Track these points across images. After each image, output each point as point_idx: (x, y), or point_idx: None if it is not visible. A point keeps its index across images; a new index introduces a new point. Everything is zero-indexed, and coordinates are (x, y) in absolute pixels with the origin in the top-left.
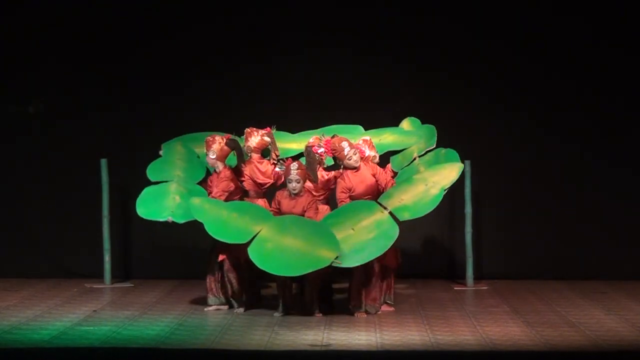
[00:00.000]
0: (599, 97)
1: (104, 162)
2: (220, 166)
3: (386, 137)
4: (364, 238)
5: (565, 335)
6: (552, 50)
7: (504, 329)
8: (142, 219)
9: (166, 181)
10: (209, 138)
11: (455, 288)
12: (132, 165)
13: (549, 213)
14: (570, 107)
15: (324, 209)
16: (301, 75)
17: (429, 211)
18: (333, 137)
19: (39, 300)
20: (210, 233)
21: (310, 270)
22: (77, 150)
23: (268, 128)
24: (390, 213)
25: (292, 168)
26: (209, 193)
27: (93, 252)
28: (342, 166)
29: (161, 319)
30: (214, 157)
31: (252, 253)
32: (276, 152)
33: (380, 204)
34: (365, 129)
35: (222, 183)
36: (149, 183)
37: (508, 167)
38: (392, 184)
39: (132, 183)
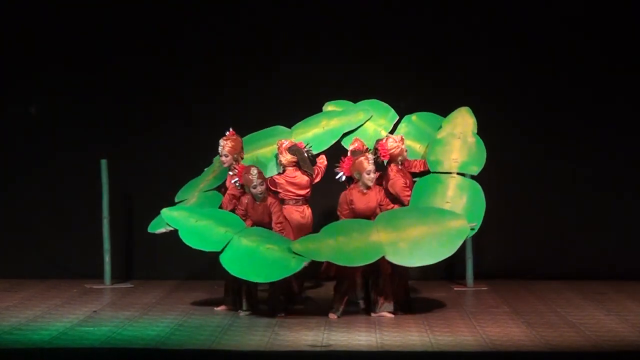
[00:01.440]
0: (599, 97)
1: (104, 162)
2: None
3: (328, 124)
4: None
5: (565, 336)
6: (552, 50)
7: (504, 329)
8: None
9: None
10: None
11: (455, 288)
12: (132, 165)
13: (549, 213)
14: (571, 107)
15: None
16: (302, 76)
17: (484, 151)
18: (386, 139)
19: (39, 301)
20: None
21: (281, 277)
22: (77, 151)
23: (301, 143)
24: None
25: (252, 173)
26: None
27: (93, 252)
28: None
29: (161, 319)
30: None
31: (224, 259)
32: (308, 165)
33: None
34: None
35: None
36: (149, 185)
37: (508, 167)
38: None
39: (132, 183)
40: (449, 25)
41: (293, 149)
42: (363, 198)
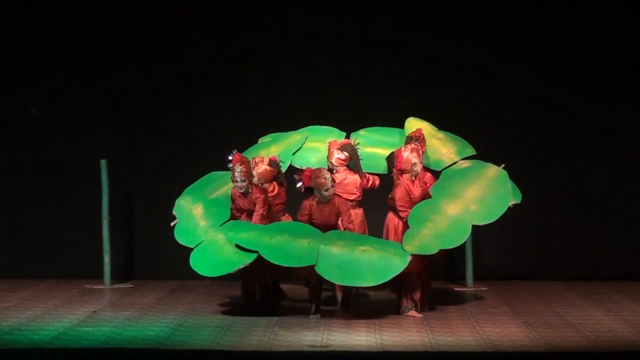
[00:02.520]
0: (600, 97)
1: (104, 162)
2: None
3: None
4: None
5: (565, 336)
6: (553, 50)
7: (504, 329)
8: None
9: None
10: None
11: (455, 289)
12: (132, 165)
13: (549, 214)
14: (572, 107)
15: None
16: (301, 75)
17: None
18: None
19: (39, 301)
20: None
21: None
22: (77, 151)
23: (347, 140)
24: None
25: (236, 169)
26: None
27: (93, 253)
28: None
29: (161, 319)
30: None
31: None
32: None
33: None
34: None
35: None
36: (149, 185)
37: (508, 167)
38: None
39: (132, 184)
40: (450, 25)
41: (347, 147)
42: (322, 210)
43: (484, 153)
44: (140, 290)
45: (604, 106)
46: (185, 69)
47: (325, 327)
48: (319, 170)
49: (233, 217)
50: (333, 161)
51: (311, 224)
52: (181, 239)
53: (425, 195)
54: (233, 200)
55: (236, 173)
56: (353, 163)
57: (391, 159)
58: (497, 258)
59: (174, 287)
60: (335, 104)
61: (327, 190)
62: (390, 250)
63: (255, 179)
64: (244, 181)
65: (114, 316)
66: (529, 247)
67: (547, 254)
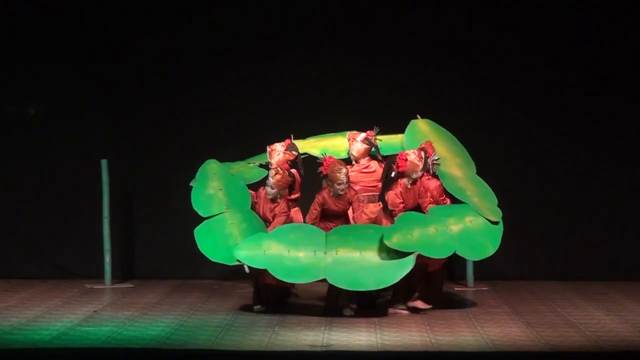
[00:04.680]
0: (602, 97)
1: (104, 162)
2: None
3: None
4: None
5: (566, 336)
6: (553, 49)
7: (504, 329)
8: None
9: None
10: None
11: (456, 288)
12: (132, 165)
13: (549, 213)
14: (572, 107)
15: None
16: (303, 76)
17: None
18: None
19: (39, 301)
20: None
21: (218, 261)
22: (77, 151)
23: (370, 132)
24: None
25: (270, 174)
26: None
27: (93, 252)
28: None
29: (161, 319)
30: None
31: (204, 226)
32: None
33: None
34: (369, 130)
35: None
36: (150, 185)
37: (508, 167)
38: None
39: (132, 183)
40: (450, 24)
41: (367, 140)
42: (335, 201)
43: (487, 151)
44: (140, 290)
45: (602, 104)
46: (186, 69)
47: (326, 327)
48: (338, 164)
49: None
50: (354, 152)
51: (323, 213)
52: (196, 205)
53: (422, 203)
54: (259, 196)
55: (269, 178)
56: (375, 153)
57: (391, 161)
58: (497, 258)
59: (174, 287)
60: (338, 105)
61: (340, 184)
62: (394, 254)
63: (273, 168)
64: (274, 189)
65: (114, 316)
66: (529, 247)
67: (547, 254)
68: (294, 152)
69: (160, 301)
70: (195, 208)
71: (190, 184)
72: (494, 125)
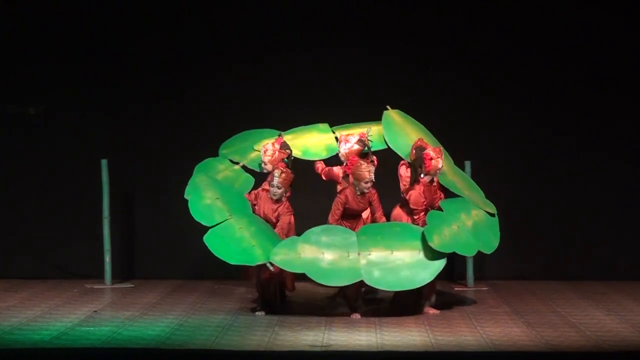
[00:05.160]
0: (602, 96)
1: (104, 162)
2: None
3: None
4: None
5: (566, 336)
6: (552, 49)
7: (504, 329)
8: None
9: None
10: (264, 146)
11: (456, 289)
12: (132, 165)
13: (549, 213)
14: (572, 107)
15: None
16: (299, 74)
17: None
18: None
19: (40, 301)
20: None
21: (238, 263)
22: (77, 151)
23: (363, 133)
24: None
25: (275, 174)
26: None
27: (93, 252)
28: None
29: (161, 319)
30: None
31: (210, 235)
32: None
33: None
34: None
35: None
36: (150, 185)
37: (508, 167)
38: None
39: (132, 183)
40: (449, 23)
41: (361, 141)
42: (358, 200)
43: (486, 151)
44: (140, 289)
45: (602, 103)
46: (187, 69)
47: (326, 327)
48: (364, 162)
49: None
50: (345, 153)
51: (344, 212)
52: (197, 216)
53: (434, 200)
54: (259, 197)
55: (275, 178)
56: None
57: (418, 163)
58: (497, 258)
59: (174, 287)
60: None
61: (367, 183)
62: (425, 253)
63: (268, 166)
64: (280, 188)
65: (114, 316)
66: (529, 247)
67: (547, 254)
68: (287, 150)
69: (160, 301)
70: (197, 219)
71: (185, 197)
72: (494, 125)
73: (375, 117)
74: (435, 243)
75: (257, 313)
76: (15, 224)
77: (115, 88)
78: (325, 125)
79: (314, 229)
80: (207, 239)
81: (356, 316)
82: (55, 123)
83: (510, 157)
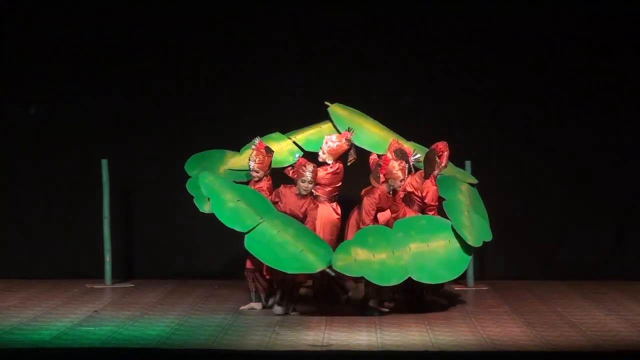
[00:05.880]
0: (601, 97)
1: (104, 162)
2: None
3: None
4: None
5: (566, 336)
6: (552, 50)
7: (505, 329)
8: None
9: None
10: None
11: (456, 288)
12: (132, 165)
13: (549, 213)
14: (572, 107)
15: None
16: (304, 78)
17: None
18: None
19: (40, 301)
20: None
21: (295, 272)
22: (77, 150)
23: (347, 132)
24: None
25: (307, 170)
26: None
27: (94, 252)
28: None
29: (162, 319)
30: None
31: (250, 241)
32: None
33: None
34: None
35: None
36: (150, 185)
37: (508, 167)
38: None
39: (132, 183)
40: (449, 24)
41: (349, 141)
42: (389, 198)
43: (486, 151)
44: (141, 289)
45: (604, 106)
46: (186, 68)
47: (327, 327)
48: (398, 162)
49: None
50: (326, 152)
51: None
52: (229, 222)
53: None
54: (281, 194)
55: (307, 173)
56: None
57: (432, 154)
58: (497, 258)
59: (174, 287)
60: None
61: (401, 182)
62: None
63: (260, 173)
64: (311, 183)
65: (115, 316)
66: (529, 247)
67: (547, 254)
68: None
69: (160, 301)
70: (229, 226)
71: (205, 210)
72: (494, 124)
73: (377, 117)
74: (469, 239)
75: (276, 309)
76: (15, 224)
77: (116, 88)
78: (277, 134)
79: (361, 230)
80: (251, 247)
81: (387, 307)
82: (56, 123)
83: (510, 157)
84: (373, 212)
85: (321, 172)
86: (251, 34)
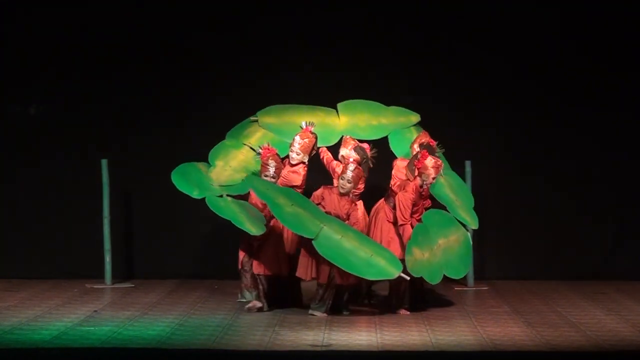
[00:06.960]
0: (601, 97)
1: (104, 162)
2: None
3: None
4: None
5: (566, 336)
6: (552, 50)
7: (505, 329)
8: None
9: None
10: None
11: (456, 288)
12: (132, 165)
13: (549, 213)
14: (571, 107)
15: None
16: (304, 78)
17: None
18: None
19: (40, 301)
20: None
21: (378, 278)
22: (77, 150)
23: (308, 127)
24: None
25: (349, 168)
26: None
27: (94, 252)
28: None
29: (162, 319)
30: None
31: (321, 247)
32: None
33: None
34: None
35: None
36: (150, 185)
37: (508, 167)
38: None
39: (132, 183)
40: (449, 24)
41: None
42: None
43: (486, 151)
44: (141, 289)
45: (604, 106)
46: (186, 68)
47: (327, 327)
48: (433, 159)
49: None
50: (299, 150)
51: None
52: (296, 229)
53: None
54: (325, 196)
55: (348, 172)
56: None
57: (412, 158)
58: (497, 258)
59: (174, 287)
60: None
61: (433, 178)
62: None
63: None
64: (350, 183)
65: (115, 316)
66: (529, 247)
67: (547, 254)
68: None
69: (160, 301)
70: (298, 233)
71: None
72: (493, 124)
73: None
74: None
75: (317, 314)
76: (15, 224)
77: (116, 88)
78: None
79: (414, 229)
80: (326, 254)
81: (405, 312)
82: (56, 123)
83: (510, 157)
84: (410, 207)
85: (297, 175)
86: (251, 34)
